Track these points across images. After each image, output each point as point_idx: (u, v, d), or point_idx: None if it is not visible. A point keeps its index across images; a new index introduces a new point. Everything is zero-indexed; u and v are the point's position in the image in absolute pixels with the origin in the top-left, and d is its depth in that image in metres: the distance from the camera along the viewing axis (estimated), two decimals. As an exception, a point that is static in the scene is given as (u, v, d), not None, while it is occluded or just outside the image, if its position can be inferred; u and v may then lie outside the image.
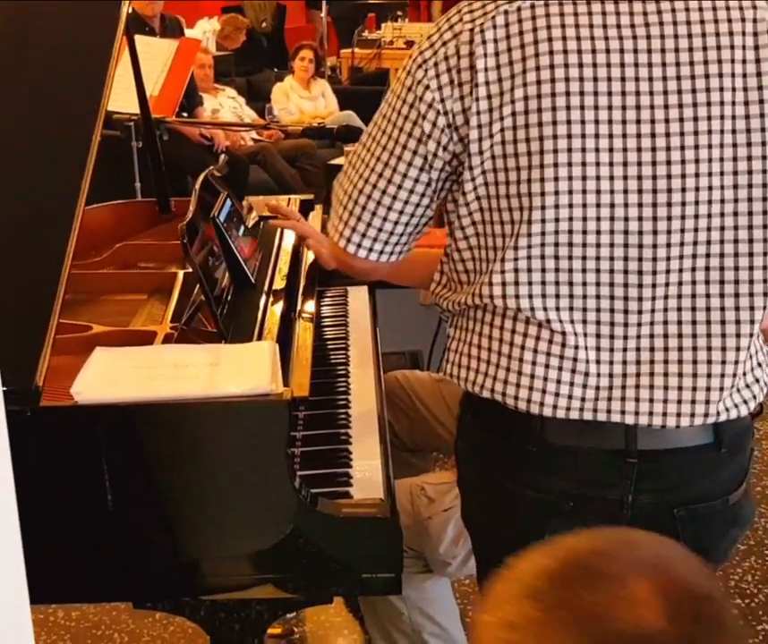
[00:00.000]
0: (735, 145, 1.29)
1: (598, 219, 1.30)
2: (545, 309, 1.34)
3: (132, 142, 3.96)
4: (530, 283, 1.34)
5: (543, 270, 1.33)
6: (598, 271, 1.32)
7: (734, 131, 1.28)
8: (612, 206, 1.30)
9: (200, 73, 5.73)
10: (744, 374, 1.37)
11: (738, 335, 1.34)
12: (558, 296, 1.33)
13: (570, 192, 1.29)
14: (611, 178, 1.29)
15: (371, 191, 1.42)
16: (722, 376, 1.34)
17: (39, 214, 1.86)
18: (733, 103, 1.27)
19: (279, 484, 1.66)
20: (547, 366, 1.34)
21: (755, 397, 1.40)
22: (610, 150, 1.28)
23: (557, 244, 1.32)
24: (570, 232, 1.31)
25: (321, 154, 6.04)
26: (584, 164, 1.28)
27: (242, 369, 1.73)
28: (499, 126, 1.30)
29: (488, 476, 1.48)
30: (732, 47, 1.27)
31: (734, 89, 1.27)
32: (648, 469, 1.37)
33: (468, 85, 1.31)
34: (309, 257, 2.50)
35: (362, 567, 1.72)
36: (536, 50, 1.28)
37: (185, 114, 5.17)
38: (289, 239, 2.50)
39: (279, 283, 2.32)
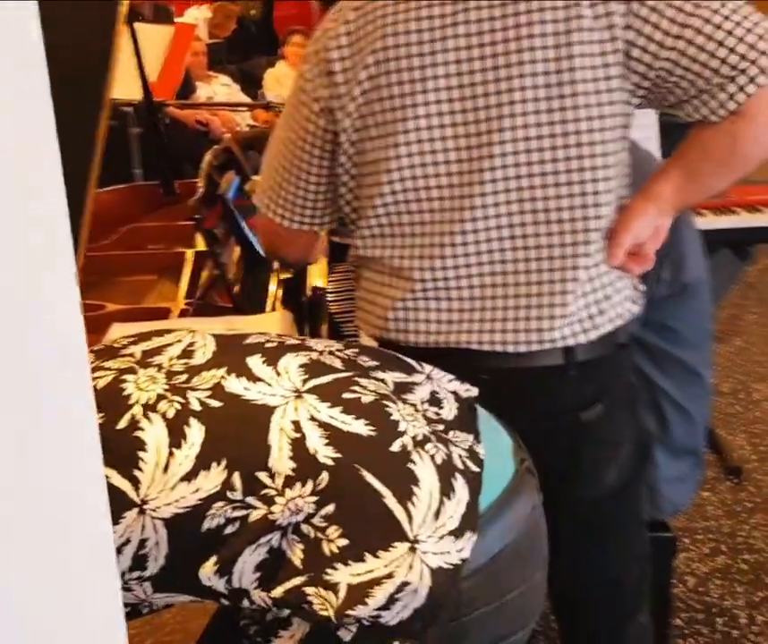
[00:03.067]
0: (539, 125, 1.42)
1: (437, 176, 1.47)
2: (401, 257, 1.52)
3: (131, 128, 3.97)
4: (392, 236, 1.53)
5: (401, 224, 1.51)
6: (431, 211, 1.48)
7: (537, 112, 1.42)
8: (447, 163, 1.47)
9: (194, 61, 5.73)
10: (587, 306, 1.48)
11: (563, 269, 1.46)
12: (412, 246, 1.51)
13: (409, 155, 1.47)
14: (443, 139, 1.46)
15: (283, 165, 1.61)
16: (563, 305, 1.46)
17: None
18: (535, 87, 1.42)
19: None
20: (405, 309, 1.52)
21: (596, 328, 1.49)
22: (439, 114, 1.46)
23: (407, 201, 1.49)
24: (416, 189, 1.48)
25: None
26: (417, 129, 1.46)
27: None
28: (353, 105, 1.50)
29: None
30: (542, 36, 1.41)
31: (534, 75, 1.41)
32: (499, 384, 1.46)
33: (330, 75, 1.52)
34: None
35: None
36: (373, 45, 1.47)
37: (179, 101, 5.19)
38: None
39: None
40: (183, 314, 2.00)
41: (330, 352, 1.26)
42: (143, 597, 1.11)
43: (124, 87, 3.36)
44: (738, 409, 3.77)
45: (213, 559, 1.07)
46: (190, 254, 2.36)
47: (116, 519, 1.06)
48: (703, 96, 1.40)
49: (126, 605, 1.13)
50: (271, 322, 1.85)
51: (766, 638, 2.55)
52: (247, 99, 6.20)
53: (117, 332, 1.83)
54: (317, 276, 2.30)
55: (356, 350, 1.31)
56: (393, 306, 1.54)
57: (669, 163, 1.52)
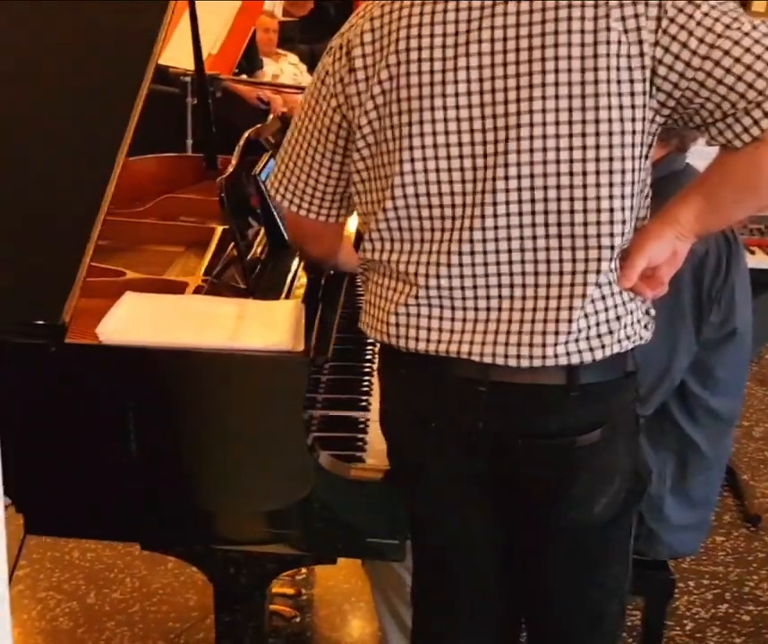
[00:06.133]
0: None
1: (450, 182, 1.46)
2: (408, 262, 1.52)
3: (188, 98, 3.99)
4: (401, 241, 1.52)
5: (410, 229, 1.51)
6: (442, 218, 1.48)
7: (557, 111, 1.40)
8: (462, 169, 1.46)
9: (264, 37, 5.73)
10: (597, 324, 1.46)
11: (572, 285, 1.45)
12: (420, 252, 1.50)
13: (424, 159, 1.46)
14: (459, 144, 1.45)
15: (298, 153, 1.65)
16: (569, 321, 1.45)
17: (81, 158, 1.90)
18: (556, 84, 1.40)
19: (292, 440, 1.69)
20: (408, 314, 1.52)
21: (603, 347, 1.47)
22: (457, 120, 1.44)
23: (418, 206, 1.49)
24: (428, 194, 1.48)
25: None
26: (434, 133, 1.45)
27: (266, 325, 1.76)
28: (372, 104, 1.50)
29: (384, 399, 1.68)
30: (569, 32, 1.39)
31: (558, 71, 1.40)
32: (497, 398, 1.49)
33: (352, 73, 1.52)
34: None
35: (368, 531, 1.75)
36: (396, 44, 1.47)
37: (244, 77, 5.20)
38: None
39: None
40: (197, 290, 2.00)
41: None
42: None
43: (186, 56, 3.38)
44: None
45: None
46: (220, 230, 2.36)
47: None
48: (727, 119, 1.37)
49: None
50: (282, 309, 1.84)
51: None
52: (313, 81, 6.17)
53: (130, 299, 1.84)
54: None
55: None
56: (396, 311, 1.53)
57: (690, 187, 1.49)
